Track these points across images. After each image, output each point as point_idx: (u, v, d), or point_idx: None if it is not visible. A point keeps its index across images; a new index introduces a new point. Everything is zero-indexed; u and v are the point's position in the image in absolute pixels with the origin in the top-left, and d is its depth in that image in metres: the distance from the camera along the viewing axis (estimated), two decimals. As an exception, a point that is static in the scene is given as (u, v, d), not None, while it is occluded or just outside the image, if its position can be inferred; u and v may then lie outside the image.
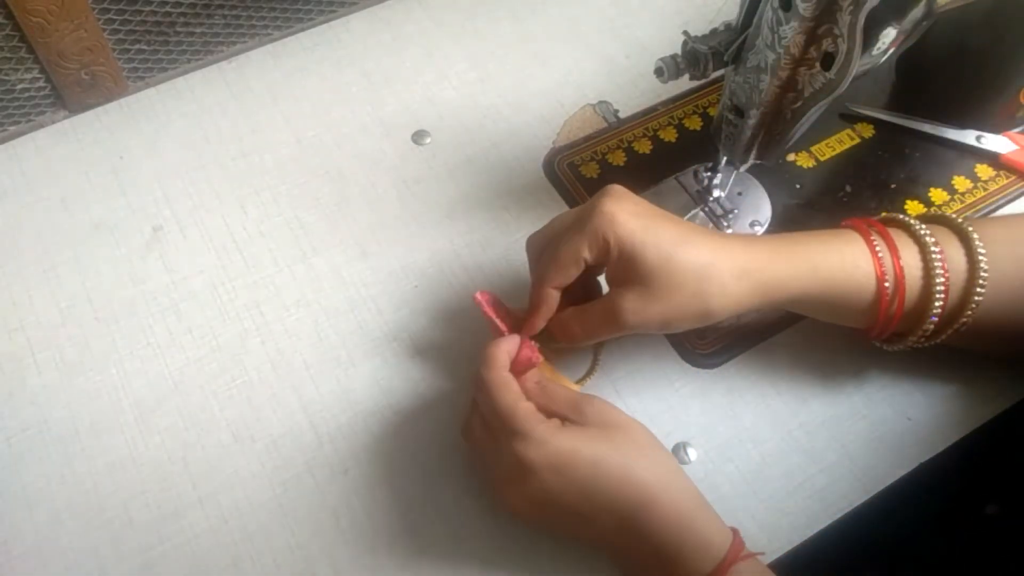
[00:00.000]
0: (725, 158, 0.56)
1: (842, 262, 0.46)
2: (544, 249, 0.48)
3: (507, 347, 0.47)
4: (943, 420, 0.52)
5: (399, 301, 0.57)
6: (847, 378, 0.54)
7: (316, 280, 0.58)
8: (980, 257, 0.46)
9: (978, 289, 0.46)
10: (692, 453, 0.51)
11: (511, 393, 0.45)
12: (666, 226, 0.45)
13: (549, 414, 0.46)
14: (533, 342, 0.48)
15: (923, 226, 0.47)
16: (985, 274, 0.46)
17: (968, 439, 0.52)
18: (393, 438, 0.52)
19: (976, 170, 0.63)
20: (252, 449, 0.51)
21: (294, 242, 0.60)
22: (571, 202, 0.62)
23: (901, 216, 0.49)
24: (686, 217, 0.60)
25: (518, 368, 0.47)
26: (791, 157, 0.63)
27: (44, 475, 0.50)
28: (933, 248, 0.46)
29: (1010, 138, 0.63)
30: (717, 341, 0.55)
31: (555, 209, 0.61)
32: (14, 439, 0.51)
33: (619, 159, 0.64)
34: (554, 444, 0.43)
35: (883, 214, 0.51)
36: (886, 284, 0.46)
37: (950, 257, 0.46)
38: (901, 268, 0.46)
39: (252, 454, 0.51)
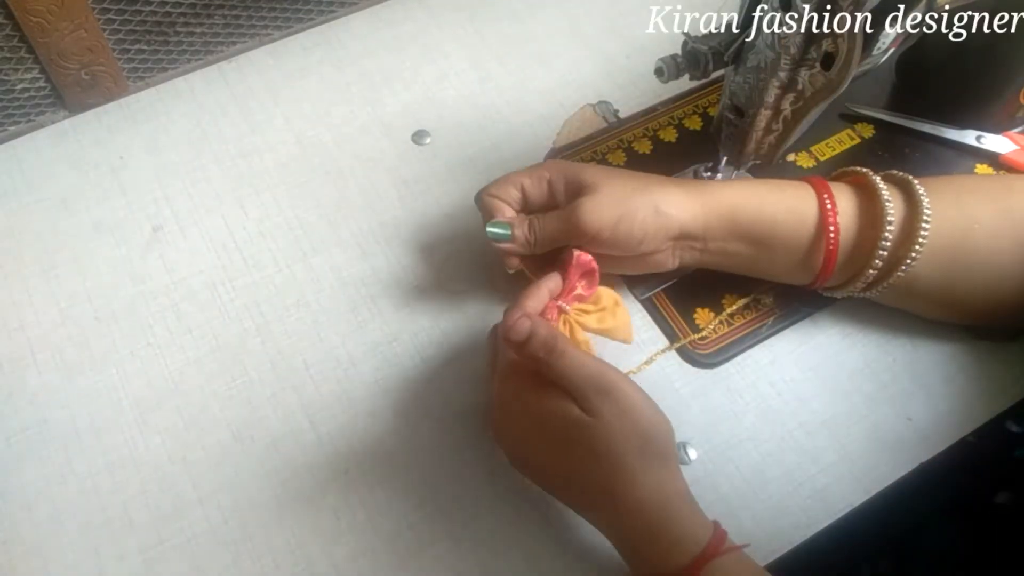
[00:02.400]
0: (725, 158, 0.56)
1: (787, 197, 0.49)
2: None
3: (549, 284, 0.48)
4: (943, 420, 0.52)
5: (399, 301, 0.57)
6: (847, 378, 0.54)
7: (316, 280, 0.58)
8: (922, 199, 0.48)
9: (921, 232, 0.47)
10: (692, 453, 0.51)
11: (537, 298, 0.47)
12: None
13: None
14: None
15: (876, 176, 0.49)
16: (928, 214, 0.47)
17: (971, 438, 0.52)
18: (393, 438, 0.52)
19: (976, 170, 0.63)
20: (252, 449, 0.51)
21: (294, 242, 0.60)
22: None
23: (858, 168, 0.51)
24: None
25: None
26: (791, 157, 0.63)
27: (44, 475, 0.50)
28: (884, 191, 0.48)
29: (1010, 138, 0.63)
30: (717, 341, 0.55)
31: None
32: (14, 439, 0.51)
33: (619, 159, 0.64)
34: (533, 382, 0.45)
35: (840, 170, 0.53)
36: (827, 212, 0.48)
37: (895, 201, 0.48)
38: (835, 203, 0.49)
39: (252, 454, 0.51)
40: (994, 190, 0.50)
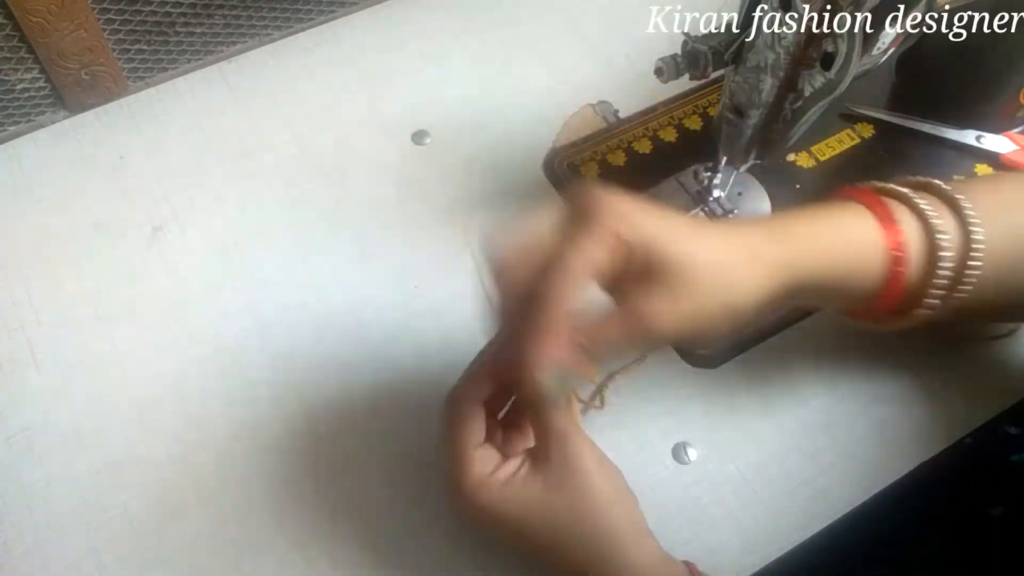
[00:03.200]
0: (725, 158, 0.56)
1: (849, 236, 0.43)
2: (532, 279, 0.40)
3: (484, 381, 0.44)
4: (943, 420, 0.52)
5: (399, 301, 0.57)
6: (847, 378, 0.54)
7: (316, 280, 0.58)
8: (973, 228, 0.43)
9: (973, 263, 0.43)
10: (692, 453, 0.51)
11: (465, 432, 0.44)
12: (676, 218, 0.41)
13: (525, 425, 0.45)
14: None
15: (921, 198, 0.44)
16: (980, 246, 0.43)
17: (969, 439, 0.52)
18: (393, 438, 0.52)
19: (976, 170, 0.63)
20: (252, 449, 0.51)
21: (294, 242, 0.60)
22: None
23: (892, 185, 0.45)
24: None
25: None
26: (791, 157, 0.63)
27: (44, 475, 0.50)
28: (935, 220, 0.43)
29: (1010, 138, 0.63)
30: (717, 341, 0.55)
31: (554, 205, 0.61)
32: (14, 439, 0.51)
33: (619, 159, 0.64)
34: (481, 500, 0.42)
35: (874, 183, 0.47)
36: (893, 256, 0.42)
37: (947, 230, 0.43)
38: (902, 244, 0.43)
39: (252, 454, 0.51)
40: None
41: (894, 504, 0.51)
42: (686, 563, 0.43)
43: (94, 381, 0.53)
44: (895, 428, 0.52)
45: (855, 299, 0.44)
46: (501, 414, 0.47)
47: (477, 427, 0.44)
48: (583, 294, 0.39)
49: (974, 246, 0.42)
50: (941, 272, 0.42)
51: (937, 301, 0.43)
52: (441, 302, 0.57)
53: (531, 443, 0.44)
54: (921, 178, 0.46)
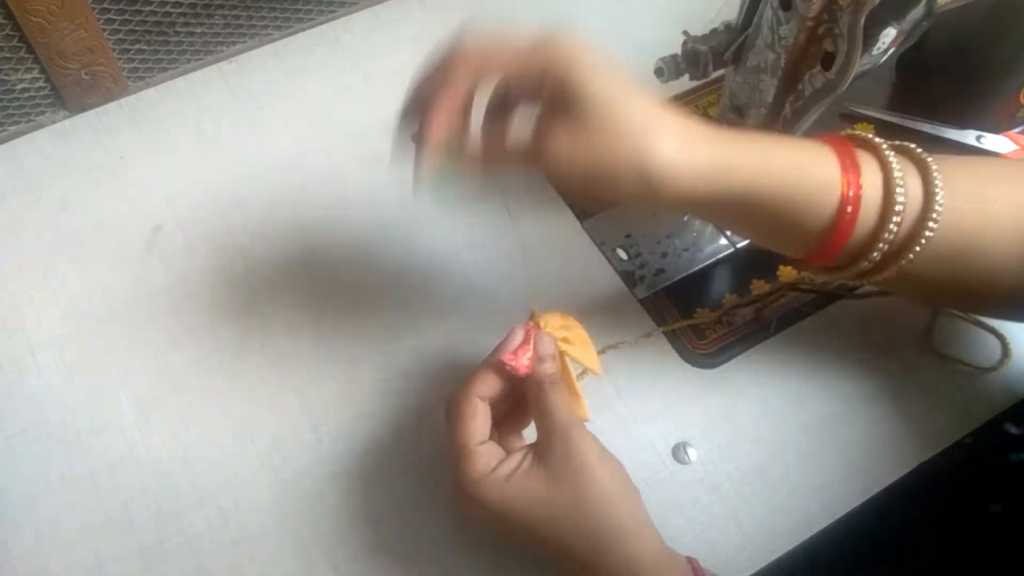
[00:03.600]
0: (725, 158, 0.56)
1: (806, 165, 0.41)
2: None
3: (492, 378, 0.45)
4: (943, 420, 0.53)
5: (399, 301, 0.57)
6: (847, 378, 0.54)
7: (316, 280, 0.58)
8: (937, 191, 0.41)
9: (929, 224, 0.40)
10: (692, 453, 0.51)
11: (469, 428, 0.44)
12: (624, 72, 0.40)
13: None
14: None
15: (891, 152, 0.42)
16: (938, 210, 0.41)
17: (969, 439, 0.52)
18: (393, 438, 0.52)
19: (976, 170, 0.63)
20: (252, 449, 0.51)
21: (294, 242, 0.60)
22: (571, 202, 0.61)
23: (870, 136, 0.43)
24: (685, 218, 0.60)
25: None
26: (791, 157, 0.63)
27: (44, 475, 0.50)
28: (897, 173, 0.41)
29: (1010, 138, 0.63)
30: (717, 341, 0.55)
31: (555, 209, 0.61)
32: (14, 439, 0.51)
33: (619, 159, 0.63)
34: (484, 496, 0.43)
35: (849, 132, 0.45)
36: (848, 198, 0.40)
37: (908, 187, 0.41)
38: (860, 188, 0.41)
39: (252, 454, 0.51)
40: (1018, 181, 0.44)
41: (895, 503, 0.51)
42: (688, 559, 0.43)
43: (94, 381, 0.54)
44: (894, 428, 0.52)
45: (798, 237, 0.42)
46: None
47: (480, 424, 0.44)
48: (475, 85, 0.40)
49: (933, 210, 0.41)
50: (891, 227, 0.40)
51: (877, 255, 0.41)
52: (441, 302, 0.57)
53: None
54: (903, 143, 0.44)
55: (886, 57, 0.46)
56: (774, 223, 0.42)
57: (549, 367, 0.45)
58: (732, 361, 0.55)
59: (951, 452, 0.52)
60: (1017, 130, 0.63)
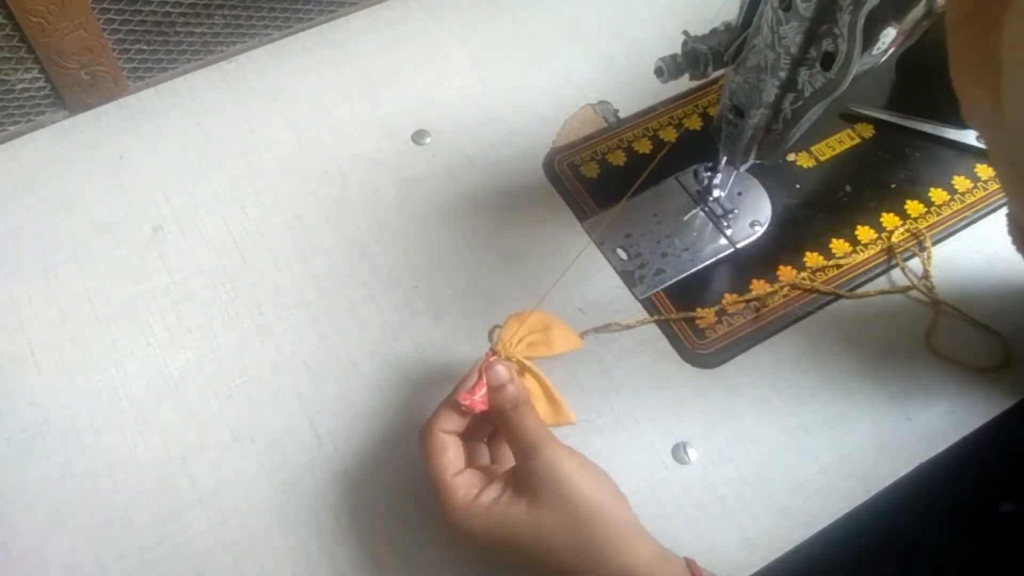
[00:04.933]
0: (725, 158, 0.56)
1: None
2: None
3: (454, 414, 0.46)
4: (943, 420, 0.52)
5: (399, 301, 0.57)
6: (847, 378, 0.54)
7: (316, 280, 0.58)
8: None
9: None
10: (692, 453, 0.51)
11: (442, 463, 0.45)
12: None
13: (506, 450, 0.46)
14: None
15: None
16: None
17: (977, 436, 0.52)
18: (393, 437, 0.52)
19: (976, 170, 0.63)
20: (252, 449, 0.51)
21: (294, 242, 0.60)
22: (571, 202, 0.61)
23: None
24: (686, 217, 0.60)
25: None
26: (791, 157, 0.63)
27: (44, 475, 0.50)
28: None
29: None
30: (717, 341, 0.55)
31: (555, 209, 0.61)
32: (14, 439, 0.51)
33: (619, 159, 0.64)
34: (470, 524, 0.43)
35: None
36: None
37: None
38: None
39: (252, 454, 0.51)
40: None
41: (899, 506, 0.51)
42: (686, 559, 0.43)
43: (94, 381, 0.54)
44: (895, 428, 0.52)
45: None
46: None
47: (453, 456, 0.45)
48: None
49: None
50: None
51: None
52: (441, 302, 0.57)
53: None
54: None
55: (886, 57, 0.46)
56: None
57: (509, 391, 0.45)
58: (732, 361, 0.55)
59: (953, 451, 0.52)
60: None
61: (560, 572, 0.42)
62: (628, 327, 0.55)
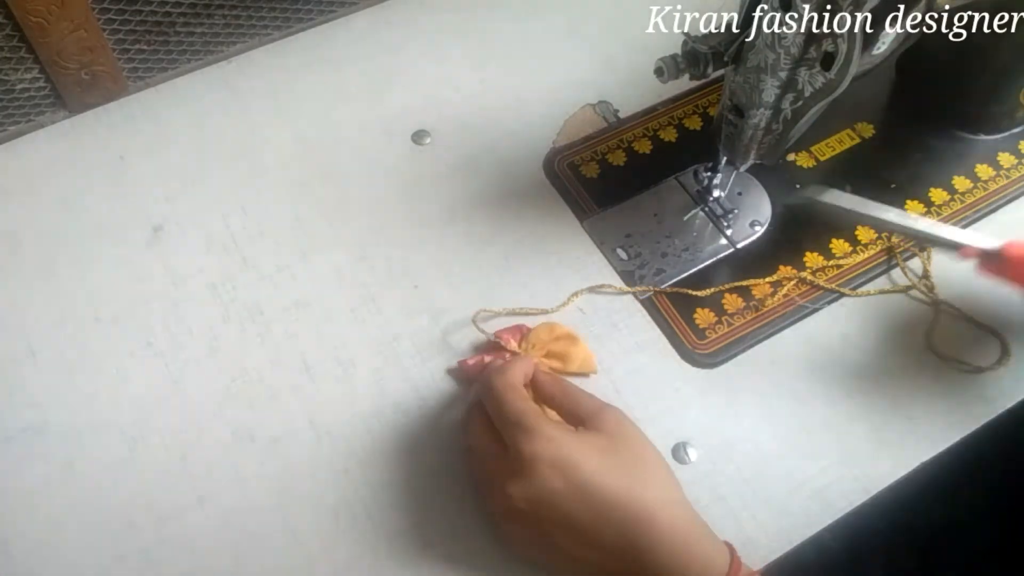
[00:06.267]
0: (725, 158, 0.56)
1: None
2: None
3: (522, 366, 0.49)
4: (943, 420, 0.52)
5: (399, 301, 0.57)
6: (847, 378, 0.54)
7: (316, 280, 0.58)
8: None
9: None
10: (692, 453, 0.51)
11: (520, 398, 0.46)
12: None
13: (568, 417, 0.47)
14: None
15: None
16: None
17: (977, 436, 0.52)
18: (393, 437, 0.52)
19: (976, 170, 0.63)
20: (252, 449, 0.51)
21: (294, 242, 0.60)
22: (571, 202, 0.61)
23: None
24: (686, 217, 0.60)
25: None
26: (791, 157, 0.63)
27: (44, 475, 0.50)
28: None
29: (1010, 138, 0.63)
30: (717, 341, 0.55)
31: (555, 209, 0.61)
32: (14, 439, 0.51)
33: (619, 159, 0.64)
34: (562, 442, 0.44)
35: None
36: None
37: None
38: None
39: (252, 454, 0.51)
40: None
41: (923, 499, 0.51)
42: (726, 543, 0.45)
43: (94, 381, 0.53)
44: (895, 428, 0.52)
45: None
46: None
47: (524, 393, 0.48)
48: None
49: None
50: None
51: None
52: (441, 302, 0.57)
53: None
54: None
55: (886, 57, 0.46)
56: None
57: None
58: (732, 361, 0.55)
59: (955, 450, 0.52)
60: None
61: (619, 520, 0.43)
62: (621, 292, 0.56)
